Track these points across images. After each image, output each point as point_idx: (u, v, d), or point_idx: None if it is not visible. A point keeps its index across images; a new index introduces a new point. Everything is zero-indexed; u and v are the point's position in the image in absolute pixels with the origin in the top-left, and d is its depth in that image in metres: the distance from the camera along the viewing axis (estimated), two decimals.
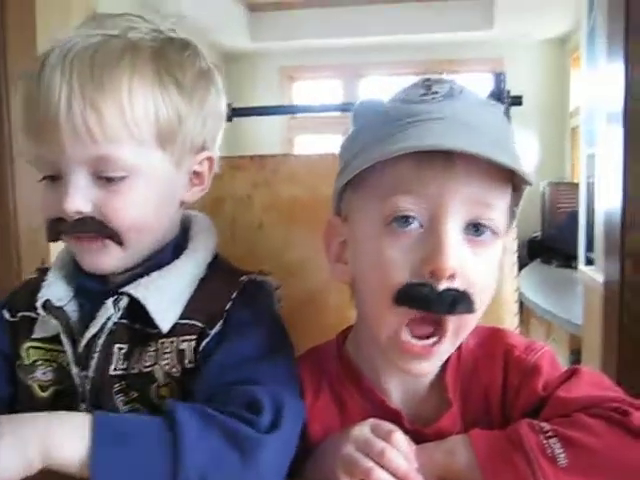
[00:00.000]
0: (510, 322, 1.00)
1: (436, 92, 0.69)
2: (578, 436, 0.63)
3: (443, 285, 0.64)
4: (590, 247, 3.28)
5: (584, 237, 3.42)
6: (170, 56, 0.76)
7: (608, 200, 2.40)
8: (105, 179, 0.72)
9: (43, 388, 0.79)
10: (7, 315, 0.84)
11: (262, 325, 0.77)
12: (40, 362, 0.80)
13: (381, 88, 5.71)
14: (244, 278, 0.81)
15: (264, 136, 4.96)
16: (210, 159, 0.82)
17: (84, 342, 0.76)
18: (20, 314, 0.83)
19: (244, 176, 1.03)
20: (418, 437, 0.71)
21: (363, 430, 0.68)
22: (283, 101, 5.59)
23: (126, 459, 0.60)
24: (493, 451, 0.64)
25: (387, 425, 0.69)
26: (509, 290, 1.00)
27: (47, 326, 0.79)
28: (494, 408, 0.74)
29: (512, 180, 0.69)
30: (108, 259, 0.76)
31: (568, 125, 5.12)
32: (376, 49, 5.39)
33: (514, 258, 0.99)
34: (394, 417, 0.73)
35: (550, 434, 0.63)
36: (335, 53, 5.53)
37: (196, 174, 0.82)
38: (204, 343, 0.75)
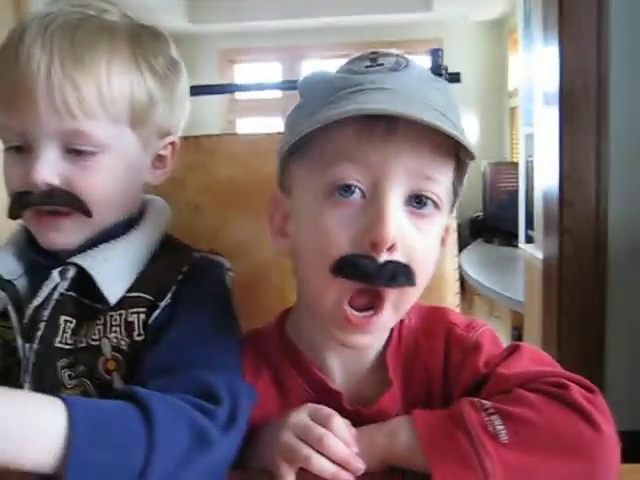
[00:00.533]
0: (451, 301, 1.00)
1: (382, 64, 0.68)
2: (518, 411, 0.63)
3: (383, 257, 0.63)
4: (530, 225, 3.36)
5: (524, 215, 3.50)
6: (145, 43, 0.79)
7: (546, 179, 2.45)
8: (75, 153, 0.73)
9: None
10: None
11: (213, 302, 0.77)
12: None
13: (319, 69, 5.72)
14: (196, 254, 0.82)
15: (204, 118, 4.89)
16: (173, 144, 0.85)
17: (30, 312, 0.76)
18: None
19: (179, 157, 1.00)
20: (358, 417, 0.70)
21: (301, 416, 0.67)
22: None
23: (101, 458, 0.56)
24: (435, 430, 0.64)
25: (326, 410, 0.67)
26: (450, 269, 1.00)
27: None
28: (435, 386, 0.74)
29: (456, 157, 0.69)
30: (66, 236, 0.76)
31: (507, 105, 5.21)
32: (316, 31, 5.37)
33: (454, 237, 0.99)
34: (334, 398, 0.72)
35: (491, 411, 0.63)
36: (275, 35, 5.48)
37: (159, 157, 0.84)
38: (154, 316, 0.75)
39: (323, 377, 0.74)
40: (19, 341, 0.76)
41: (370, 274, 0.64)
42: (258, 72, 5.80)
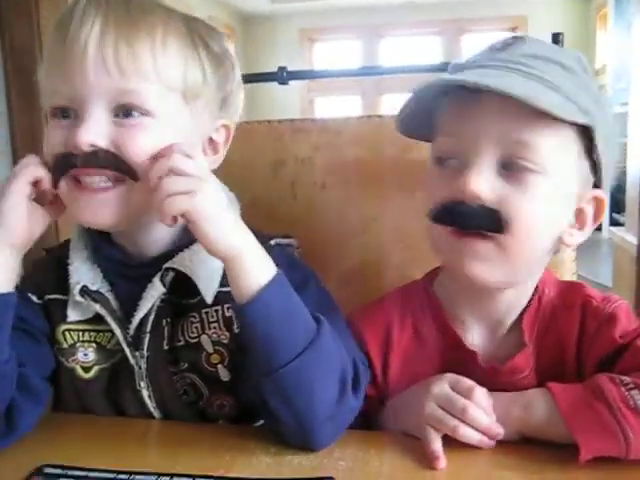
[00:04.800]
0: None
1: (495, 46, 0.74)
2: None
3: (472, 204, 0.68)
4: (616, 208, 3.28)
5: (609, 198, 3.41)
6: (201, 26, 0.76)
7: None
8: (124, 115, 0.70)
9: (86, 369, 0.79)
10: (34, 298, 0.80)
11: (312, 285, 0.78)
12: (79, 344, 0.79)
13: (401, 48, 5.66)
14: (272, 242, 0.80)
15: (282, 98, 4.93)
16: (228, 129, 0.80)
17: (135, 323, 0.76)
18: (47, 297, 0.80)
19: (305, 138, 1.04)
20: (493, 374, 0.75)
21: (443, 388, 0.70)
22: (303, 63, 5.54)
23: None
24: (576, 402, 0.66)
25: (466, 382, 0.71)
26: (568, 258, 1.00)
27: (82, 309, 0.78)
28: (569, 353, 0.76)
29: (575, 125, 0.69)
30: (112, 212, 0.71)
31: None
32: (397, 8, 5.32)
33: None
34: (469, 356, 0.77)
35: (631, 386, 0.65)
36: (355, 14, 5.46)
37: (212, 142, 0.79)
38: None
39: (460, 336, 0.78)
40: (127, 350, 0.77)
41: (456, 215, 0.70)
42: (338, 50, 5.80)
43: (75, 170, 0.70)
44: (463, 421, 0.67)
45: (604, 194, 0.74)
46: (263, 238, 0.77)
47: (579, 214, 0.74)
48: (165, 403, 0.79)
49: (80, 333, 0.79)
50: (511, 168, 0.69)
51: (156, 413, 0.79)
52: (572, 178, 0.71)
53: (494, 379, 0.74)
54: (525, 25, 5.23)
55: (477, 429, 0.67)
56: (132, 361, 0.77)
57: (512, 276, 0.74)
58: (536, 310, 0.78)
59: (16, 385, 0.72)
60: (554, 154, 0.69)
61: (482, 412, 0.68)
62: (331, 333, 0.69)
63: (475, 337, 0.79)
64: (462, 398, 0.68)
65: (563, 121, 0.67)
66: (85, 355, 0.79)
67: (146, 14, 0.70)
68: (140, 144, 0.69)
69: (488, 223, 0.69)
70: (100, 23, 0.68)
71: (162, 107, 0.71)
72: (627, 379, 0.66)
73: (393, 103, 5.20)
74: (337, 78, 5.36)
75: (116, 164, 0.69)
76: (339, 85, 5.55)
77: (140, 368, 0.77)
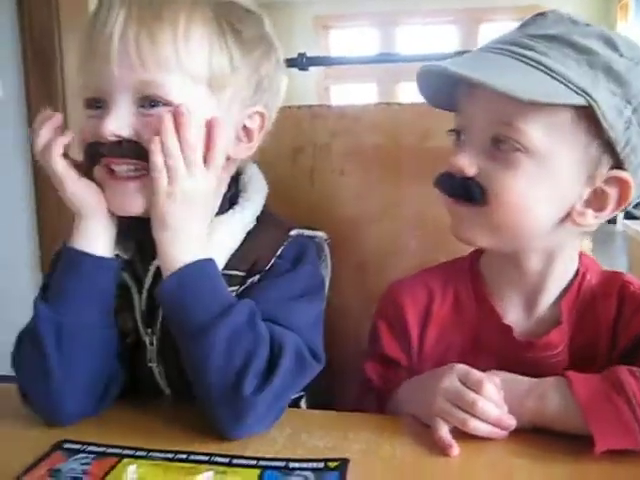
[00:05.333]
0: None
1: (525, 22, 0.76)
2: None
3: (458, 176, 0.74)
4: None
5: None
6: (233, 11, 0.76)
7: None
8: (150, 106, 0.71)
9: (125, 336, 0.80)
10: None
11: (297, 279, 0.78)
12: (119, 309, 0.79)
13: (417, 37, 5.63)
14: (294, 233, 0.81)
15: (299, 85, 4.92)
16: (262, 116, 0.80)
17: (144, 297, 0.78)
18: None
19: (324, 124, 1.04)
20: (529, 347, 0.78)
21: (453, 381, 0.70)
22: (319, 50, 5.52)
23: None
24: (595, 394, 0.66)
25: (476, 374, 0.70)
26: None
27: (120, 277, 0.79)
28: (603, 336, 0.77)
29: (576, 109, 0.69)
30: (140, 201, 0.73)
31: None
32: None
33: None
34: (505, 331, 0.79)
35: None
36: (371, 1, 5.43)
37: (245, 130, 0.79)
38: (241, 289, 0.78)
39: (498, 311, 0.80)
40: (140, 326, 0.79)
41: (442, 183, 0.76)
42: (354, 38, 5.77)
43: (105, 159, 0.73)
44: (473, 414, 0.67)
45: (630, 175, 0.71)
46: (283, 227, 0.81)
47: (599, 195, 0.72)
48: (175, 381, 0.80)
49: (120, 299, 0.79)
50: (500, 147, 0.72)
51: (167, 390, 0.81)
52: (574, 158, 0.71)
53: (527, 353, 0.77)
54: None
55: (487, 421, 0.67)
56: (145, 338, 0.79)
57: (504, 243, 0.77)
58: (576, 293, 0.80)
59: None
60: (545, 135, 0.70)
61: (492, 405, 0.68)
62: (247, 320, 0.70)
63: (513, 313, 0.81)
64: (471, 392, 0.69)
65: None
66: (125, 322, 0.80)
67: (170, 2, 0.71)
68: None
69: (467, 194, 0.73)
70: (124, 15, 0.70)
71: (186, 97, 0.72)
72: None
73: (408, 91, 5.17)
74: (353, 65, 5.36)
75: (139, 153, 0.71)
76: (355, 72, 5.51)
77: (152, 345, 0.79)
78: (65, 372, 0.71)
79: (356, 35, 5.78)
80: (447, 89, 0.76)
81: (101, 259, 0.75)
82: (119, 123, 0.70)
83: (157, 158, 0.70)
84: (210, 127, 0.73)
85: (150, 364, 0.79)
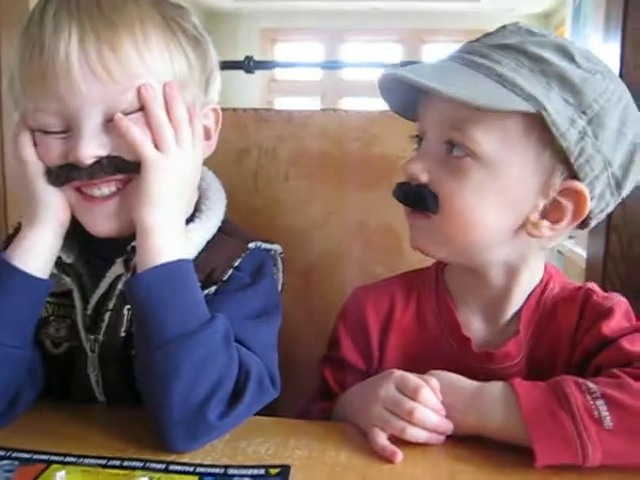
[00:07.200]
0: None
1: (487, 33, 0.76)
2: (625, 399, 0.63)
3: (413, 184, 0.74)
4: None
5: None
6: (170, 9, 0.74)
7: None
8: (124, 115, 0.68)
9: (56, 345, 0.77)
10: None
11: (257, 294, 0.77)
12: (53, 318, 0.77)
13: (362, 53, 5.70)
14: (252, 245, 0.79)
15: (244, 97, 4.90)
16: (216, 113, 0.79)
17: (93, 302, 0.75)
18: None
19: (270, 128, 1.03)
20: (487, 357, 0.77)
21: (389, 389, 0.69)
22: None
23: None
24: (538, 406, 0.64)
25: (412, 381, 0.69)
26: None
27: (56, 281, 0.75)
28: (563, 346, 0.76)
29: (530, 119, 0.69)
30: (116, 221, 0.71)
31: None
32: (360, 14, 5.34)
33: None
34: (464, 342, 0.79)
35: (597, 395, 0.63)
36: (317, 17, 5.47)
37: (204, 128, 0.78)
38: None
39: (459, 321, 0.80)
40: (81, 332, 0.75)
41: (397, 192, 0.76)
42: (299, 52, 5.81)
43: (80, 183, 0.70)
44: (411, 422, 0.67)
45: (584, 186, 0.70)
46: (242, 239, 0.79)
47: (555, 206, 0.71)
48: (112, 389, 0.77)
49: (56, 307, 0.77)
50: (453, 153, 0.72)
51: (101, 398, 0.77)
52: (525, 167, 0.70)
53: (485, 364, 0.77)
54: None
55: (425, 428, 0.67)
56: (85, 345, 0.75)
57: (459, 254, 0.76)
58: (537, 302, 0.79)
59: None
60: (496, 142, 0.70)
61: (429, 412, 0.67)
62: (223, 338, 0.67)
63: (475, 324, 0.81)
64: (409, 400, 0.68)
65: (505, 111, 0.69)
66: (57, 330, 0.77)
67: (119, 11, 0.68)
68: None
69: (420, 202, 0.74)
70: (77, 31, 0.66)
71: (156, 101, 0.69)
72: (594, 387, 0.64)
73: (352, 106, 5.22)
74: (297, 79, 5.38)
75: (121, 166, 0.69)
76: (299, 86, 5.55)
77: (94, 352, 0.75)
78: None
79: (301, 49, 5.83)
80: (412, 98, 0.76)
81: (35, 281, 0.70)
82: (96, 142, 0.68)
83: (158, 112, 0.69)
84: (189, 114, 0.73)
85: (88, 372, 0.76)
